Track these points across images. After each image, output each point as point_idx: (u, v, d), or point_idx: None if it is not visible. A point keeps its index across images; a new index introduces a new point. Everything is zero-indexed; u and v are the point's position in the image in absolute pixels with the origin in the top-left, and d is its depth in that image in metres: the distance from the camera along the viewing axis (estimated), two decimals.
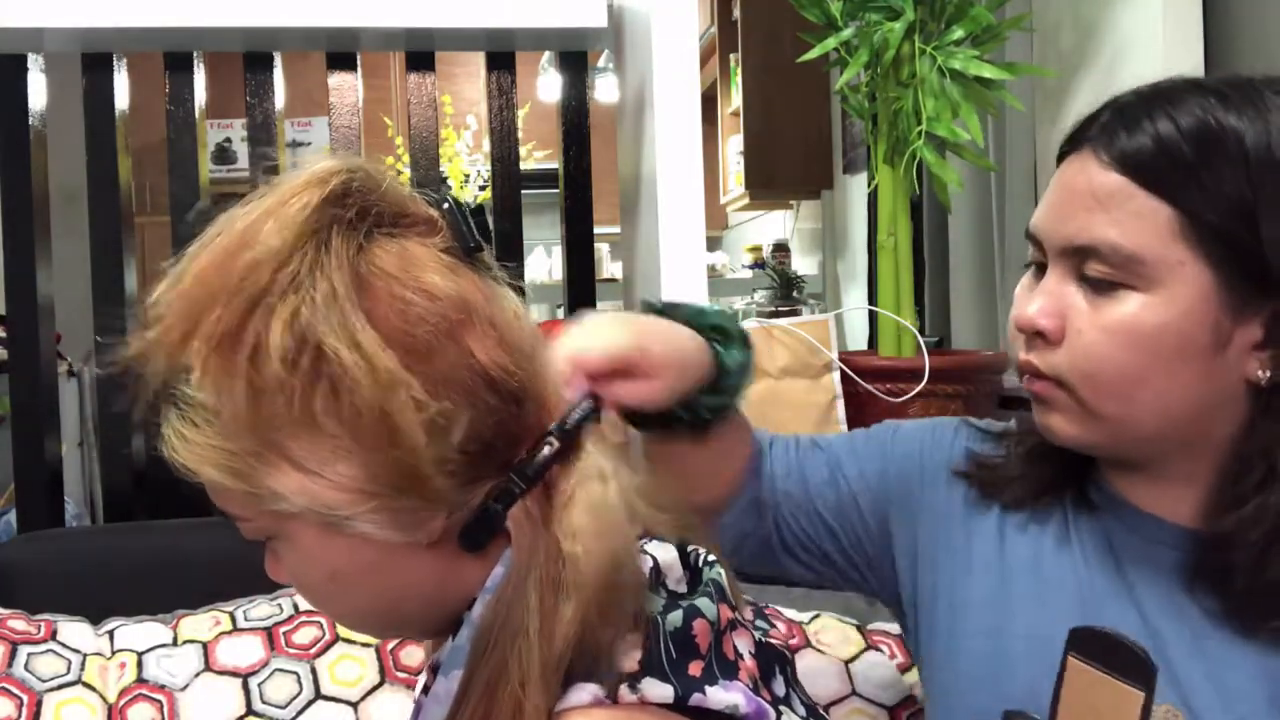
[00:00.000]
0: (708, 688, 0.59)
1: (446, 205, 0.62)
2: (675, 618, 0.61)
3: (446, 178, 4.21)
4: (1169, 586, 0.76)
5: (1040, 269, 0.77)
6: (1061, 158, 0.77)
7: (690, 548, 0.67)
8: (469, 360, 0.59)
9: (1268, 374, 0.70)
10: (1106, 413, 0.73)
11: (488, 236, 0.65)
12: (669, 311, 0.83)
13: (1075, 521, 0.82)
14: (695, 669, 0.59)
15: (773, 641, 0.68)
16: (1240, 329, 0.70)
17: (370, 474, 0.57)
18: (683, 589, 0.64)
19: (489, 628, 0.59)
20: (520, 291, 0.66)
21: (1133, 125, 0.71)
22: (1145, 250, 0.69)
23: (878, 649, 1.14)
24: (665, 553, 0.65)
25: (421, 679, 0.70)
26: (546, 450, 0.61)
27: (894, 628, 1.15)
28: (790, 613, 1.18)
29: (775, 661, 0.67)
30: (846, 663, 1.12)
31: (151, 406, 0.59)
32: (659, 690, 0.58)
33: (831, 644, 1.15)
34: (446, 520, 0.61)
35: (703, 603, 0.62)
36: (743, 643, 0.64)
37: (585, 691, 0.57)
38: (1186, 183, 0.68)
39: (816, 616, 1.18)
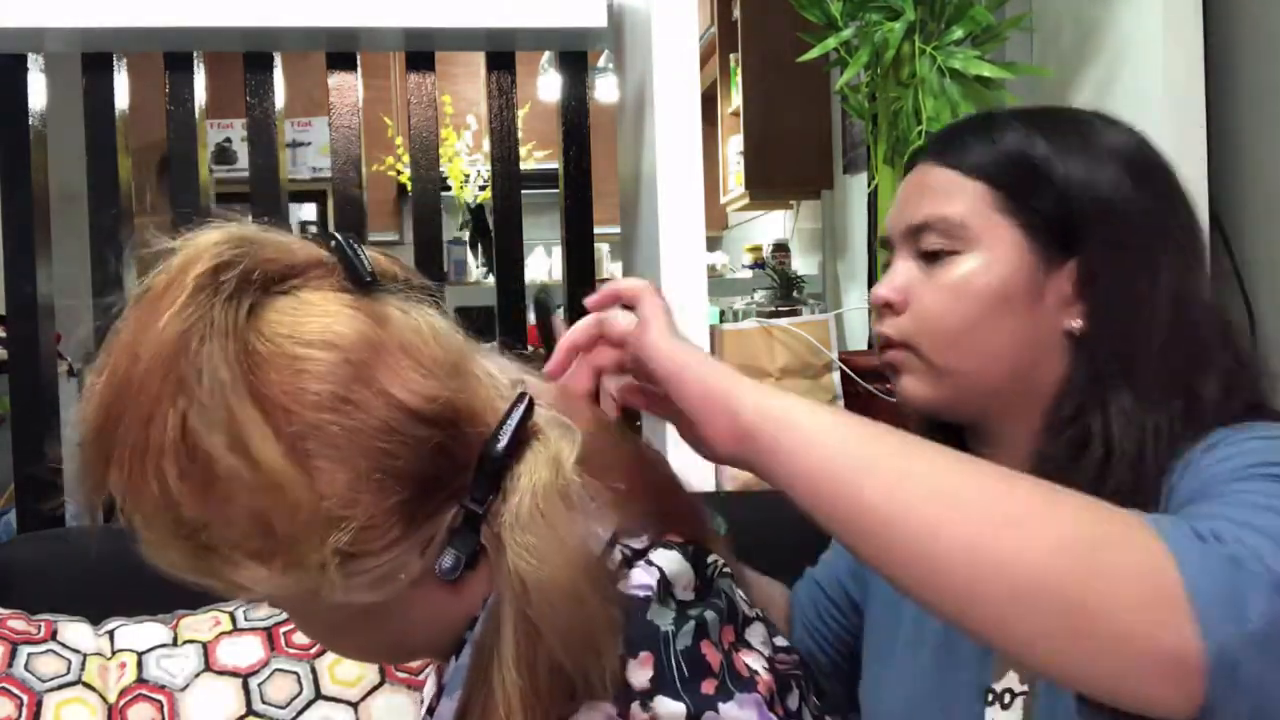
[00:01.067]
0: (721, 705, 0.58)
1: (334, 243, 0.60)
2: (685, 636, 0.60)
3: (446, 177, 4.21)
4: None
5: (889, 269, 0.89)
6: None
7: (710, 557, 0.67)
8: (387, 400, 0.57)
9: (1079, 324, 0.81)
10: (948, 364, 0.83)
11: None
12: None
13: None
14: (709, 687, 0.59)
15: (782, 661, 0.67)
16: (1051, 280, 0.81)
17: (309, 558, 0.56)
18: (689, 596, 0.64)
19: (478, 652, 0.59)
20: (439, 304, 0.64)
21: (950, 134, 0.88)
22: (965, 217, 0.83)
23: None
24: (673, 564, 0.63)
25: (428, 689, 0.70)
26: (491, 465, 0.59)
27: None
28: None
29: (790, 677, 0.66)
30: None
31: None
32: (671, 708, 0.57)
33: None
34: (422, 559, 0.59)
35: (710, 618, 0.62)
36: (754, 661, 0.63)
37: (598, 711, 0.57)
38: (996, 172, 0.83)
39: None
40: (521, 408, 0.61)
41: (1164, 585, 0.54)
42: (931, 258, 0.84)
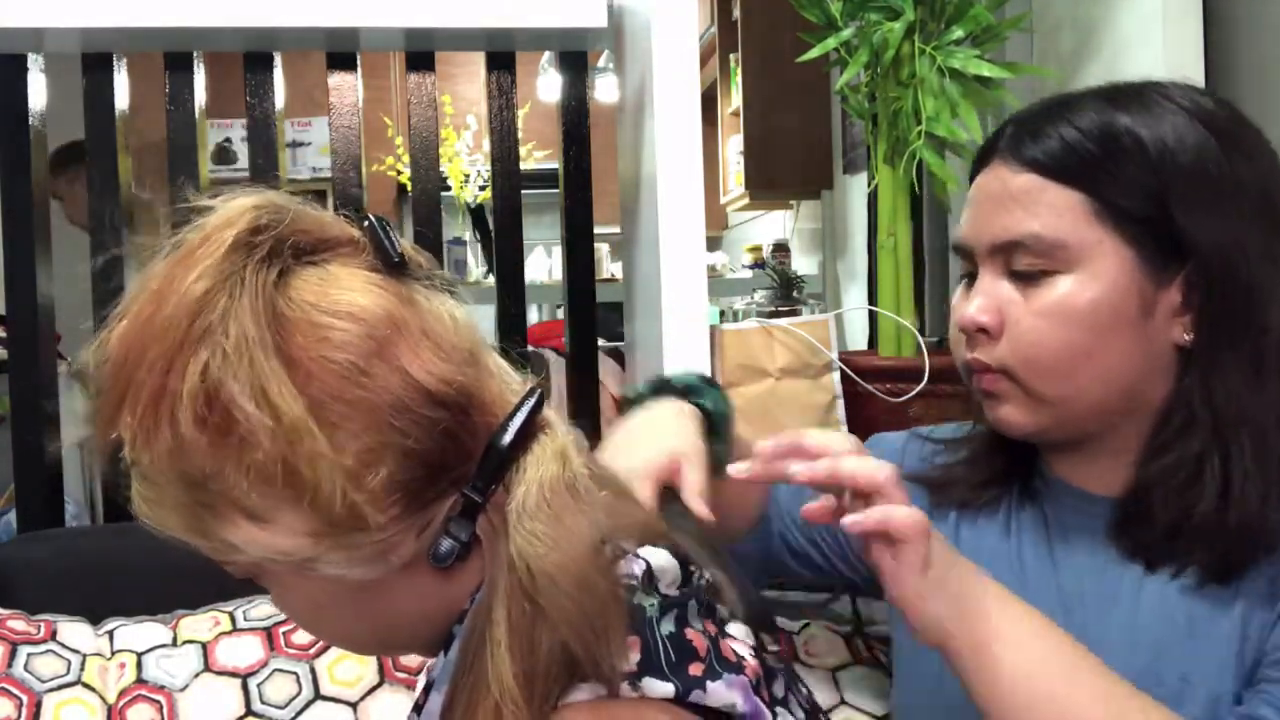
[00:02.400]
0: (709, 683, 0.59)
1: (367, 223, 0.62)
2: (669, 623, 0.60)
3: (446, 177, 4.21)
4: (1090, 550, 0.81)
5: (971, 279, 0.83)
6: (973, 177, 0.84)
7: (692, 567, 0.67)
8: (404, 378, 0.58)
9: (1189, 336, 0.76)
10: (1050, 394, 0.77)
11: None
12: (640, 399, 0.88)
13: (1018, 512, 0.86)
14: (695, 669, 0.59)
15: (768, 652, 0.68)
16: (1162, 294, 0.76)
17: (311, 520, 0.57)
18: (673, 593, 0.64)
19: (467, 642, 0.59)
20: (454, 293, 0.65)
21: (1037, 133, 0.78)
22: (1065, 235, 0.75)
23: (867, 662, 1.14)
24: (659, 557, 0.64)
25: (421, 682, 0.71)
26: (495, 457, 0.60)
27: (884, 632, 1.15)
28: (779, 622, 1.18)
29: (775, 669, 0.67)
30: (834, 671, 1.12)
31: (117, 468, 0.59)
32: (659, 688, 0.58)
33: (819, 654, 1.14)
34: (416, 542, 0.60)
35: (691, 607, 0.62)
36: (740, 648, 0.64)
37: (584, 690, 0.57)
38: (1094, 174, 0.75)
39: (805, 626, 1.17)
40: (532, 401, 0.62)
41: None
42: (1025, 276, 0.77)
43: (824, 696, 1.10)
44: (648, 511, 0.72)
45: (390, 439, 0.57)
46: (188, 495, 0.58)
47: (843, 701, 1.10)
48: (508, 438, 0.60)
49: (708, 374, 0.93)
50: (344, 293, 0.58)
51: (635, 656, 0.58)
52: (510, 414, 0.61)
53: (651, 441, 0.79)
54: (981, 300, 0.79)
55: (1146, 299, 0.75)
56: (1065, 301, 0.75)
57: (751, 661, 0.63)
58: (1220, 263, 0.74)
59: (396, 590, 0.61)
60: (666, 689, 0.58)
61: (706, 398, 0.87)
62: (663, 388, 0.89)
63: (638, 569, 0.63)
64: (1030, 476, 0.87)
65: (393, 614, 0.63)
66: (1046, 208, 0.76)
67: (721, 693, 0.59)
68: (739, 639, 0.65)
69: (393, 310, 0.59)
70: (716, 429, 0.86)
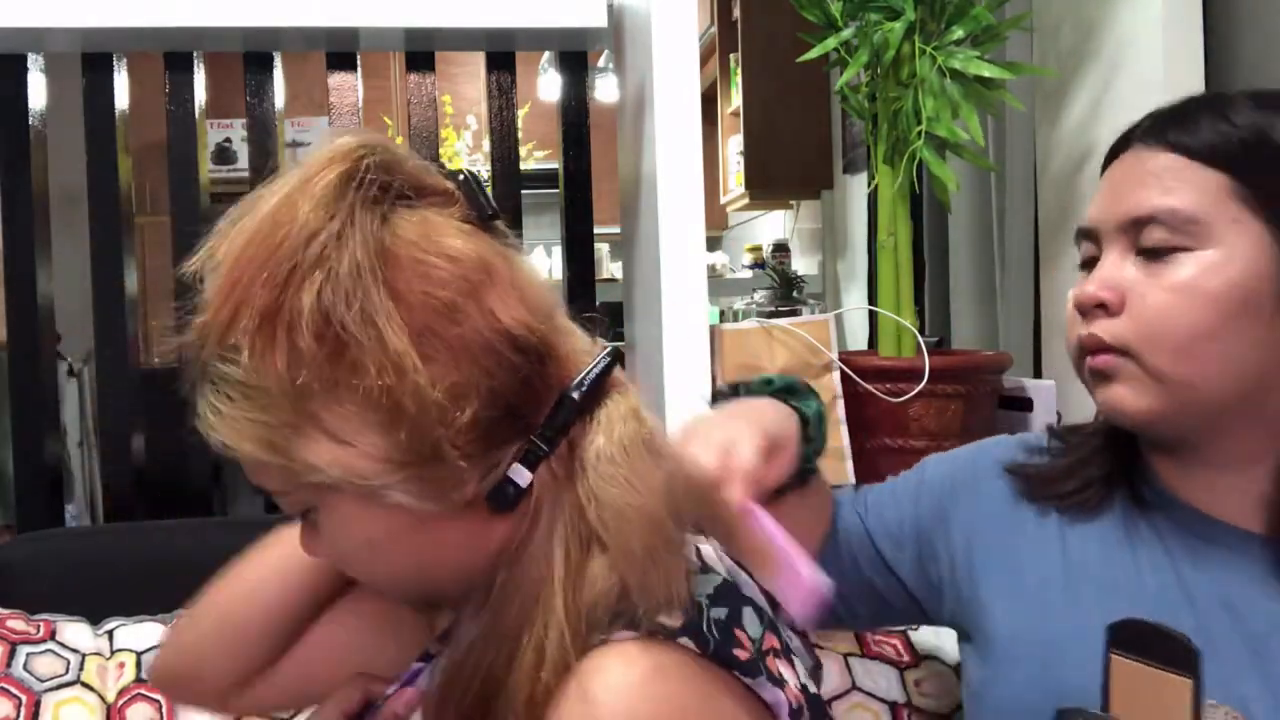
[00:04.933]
0: (749, 678, 0.59)
1: (463, 177, 0.64)
2: (721, 610, 0.61)
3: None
4: (1226, 590, 0.75)
5: (1089, 264, 0.79)
6: (1106, 164, 0.81)
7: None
8: (492, 321, 0.60)
9: None
10: (1173, 374, 0.73)
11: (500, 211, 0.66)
12: (738, 391, 0.86)
13: (1131, 523, 0.81)
14: (741, 654, 0.60)
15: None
16: None
17: (396, 445, 0.59)
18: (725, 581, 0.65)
19: (514, 579, 0.61)
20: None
21: (1184, 121, 0.76)
22: (1201, 210, 0.72)
23: (878, 654, 1.14)
24: (711, 546, 0.66)
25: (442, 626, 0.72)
26: (567, 408, 0.63)
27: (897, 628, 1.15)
28: None
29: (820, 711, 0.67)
30: (846, 656, 1.12)
31: (187, 391, 0.61)
32: (696, 643, 0.59)
33: (831, 640, 1.14)
34: (480, 483, 0.62)
35: (747, 613, 0.62)
36: (788, 673, 0.63)
37: (627, 634, 0.59)
38: (1241, 162, 0.72)
39: None
40: (606, 359, 0.65)
41: None
42: (1153, 254, 0.74)
43: (836, 682, 1.10)
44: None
45: (477, 377, 0.60)
46: (282, 411, 0.59)
47: (855, 687, 1.10)
48: (581, 391, 0.63)
49: (801, 379, 0.88)
50: (443, 236, 0.61)
51: (680, 620, 0.59)
52: (586, 370, 0.64)
53: (749, 420, 0.73)
54: (1104, 276, 0.76)
55: None
56: (1196, 279, 0.72)
57: (794, 689, 0.63)
58: None
59: (447, 531, 0.63)
60: (703, 645, 0.59)
61: (805, 402, 0.84)
62: (758, 388, 0.86)
63: (690, 553, 0.64)
64: (1137, 486, 0.82)
65: (439, 555, 0.64)
66: (1186, 184, 0.73)
67: (765, 687, 0.60)
68: (794, 668, 0.65)
69: (487, 257, 0.62)
70: (810, 435, 0.83)
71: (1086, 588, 0.80)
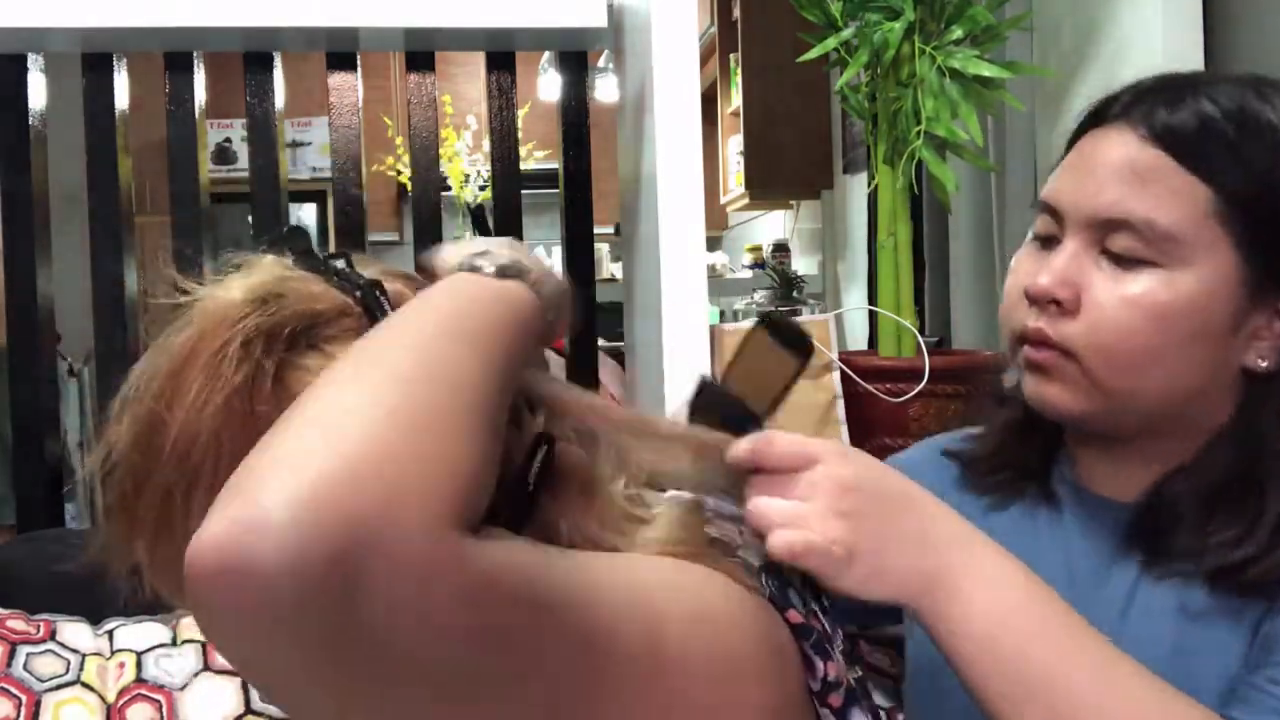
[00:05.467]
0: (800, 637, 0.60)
1: (359, 293, 0.59)
2: (770, 584, 0.62)
3: (446, 177, 4.21)
4: (1100, 556, 0.78)
5: (1047, 242, 0.76)
6: (1081, 132, 0.77)
7: None
8: None
9: (1266, 362, 0.72)
10: (1114, 387, 0.72)
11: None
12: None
13: (1034, 513, 0.83)
14: (791, 616, 0.60)
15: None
16: (1254, 314, 0.71)
17: None
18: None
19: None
20: None
21: (1173, 101, 0.71)
22: (1180, 229, 0.69)
23: (873, 665, 1.14)
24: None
25: None
26: (518, 500, 0.57)
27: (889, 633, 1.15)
28: None
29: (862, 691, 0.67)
30: None
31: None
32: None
33: None
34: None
35: (792, 594, 0.63)
36: (835, 652, 0.64)
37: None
38: (1225, 161, 0.69)
39: None
40: (545, 448, 0.59)
41: None
42: (1119, 259, 0.71)
43: None
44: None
45: None
46: None
47: None
48: (528, 484, 0.58)
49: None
50: None
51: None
52: (526, 464, 0.58)
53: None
54: (1063, 271, 0.73)
55: (1239, 316, 0.71)
56: (1160, 297, 0.70)
57: (840, 666, 0.62)
58: None
59: None
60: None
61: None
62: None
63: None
64: (1049, 476, 0.84)
65: None
66: (1170, 194, 0.70)
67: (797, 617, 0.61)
68: (838, 646, 0.65)
69: None
70: None
71: None
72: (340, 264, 0.61)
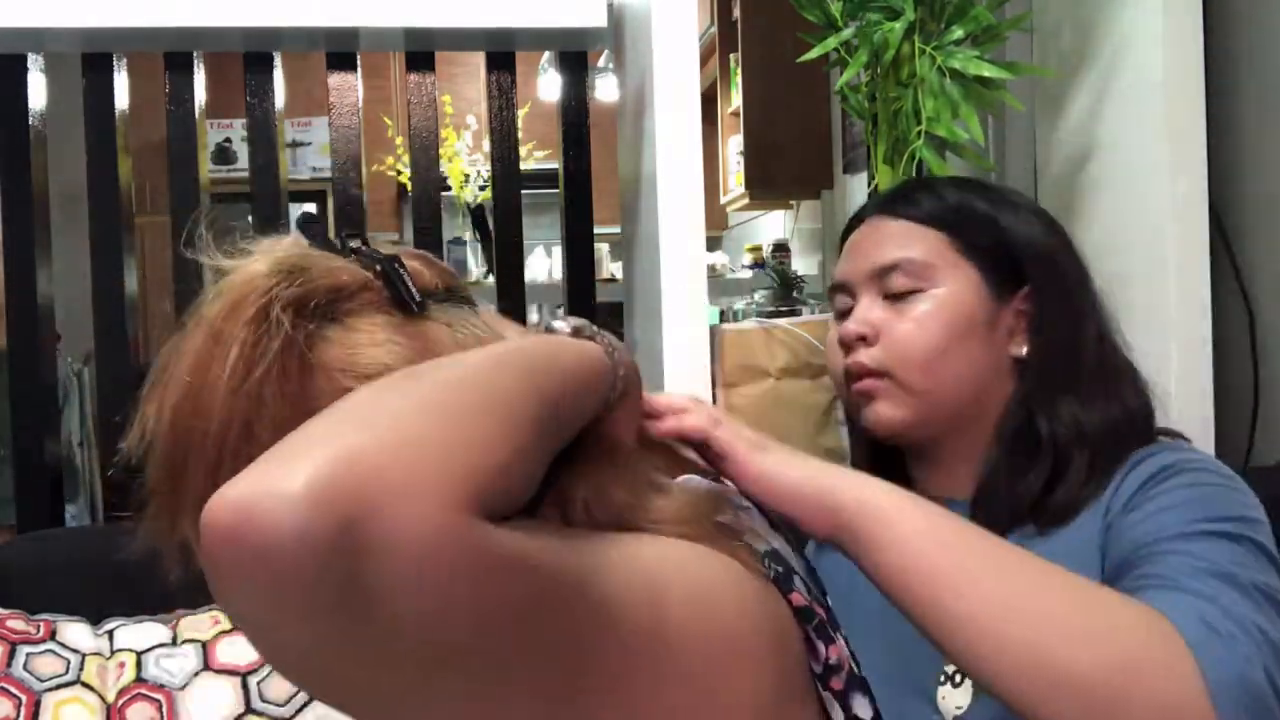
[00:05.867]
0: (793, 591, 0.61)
1: (379, 268, 0.60)
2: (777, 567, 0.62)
3: (446, 177, 4.21)
4: None
5: (844, 315, 1.00)
6: (844, 238, 1.05)
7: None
8: None
9: (1023, 349, 0.96)
10: (919, 385, 0.95)
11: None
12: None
13: None
14: (796, 599, 0.61)
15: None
16: (1002, 312, 0.97)
17: None
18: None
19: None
20: (470, 303, 0.64)
21: (907, 198, 1.01)
22: (932, 259, 0.96)
23: None
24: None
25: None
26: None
27: None
28: None
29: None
30: None
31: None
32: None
33: None
34: None
35: (797, 580, 0.63)
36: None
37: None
38: (954, 224, 0.98)
39: None
40: None
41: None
42: (897, 297, 0.96)
43: None
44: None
45: None
46: None
47: None
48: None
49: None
50: (366, 350, 0.58)
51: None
52: None
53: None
54: (862, 316, 0.97)
55: (990, 313, 0.96)
56: (931, 310, 0.95)
57: (842, 649, 0.64)
58: (1049, 288, 0.96)
59: None
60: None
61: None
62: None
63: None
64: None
65: None
66: (918, 240, 0.97)
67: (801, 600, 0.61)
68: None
69: (414, 359, 0.58)
70: None
71: (847, 593, 0.87)
72: (356, 243, 0.62)
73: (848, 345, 0.98)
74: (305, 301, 0.57)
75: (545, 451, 0.52)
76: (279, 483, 0.40)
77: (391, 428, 0.44)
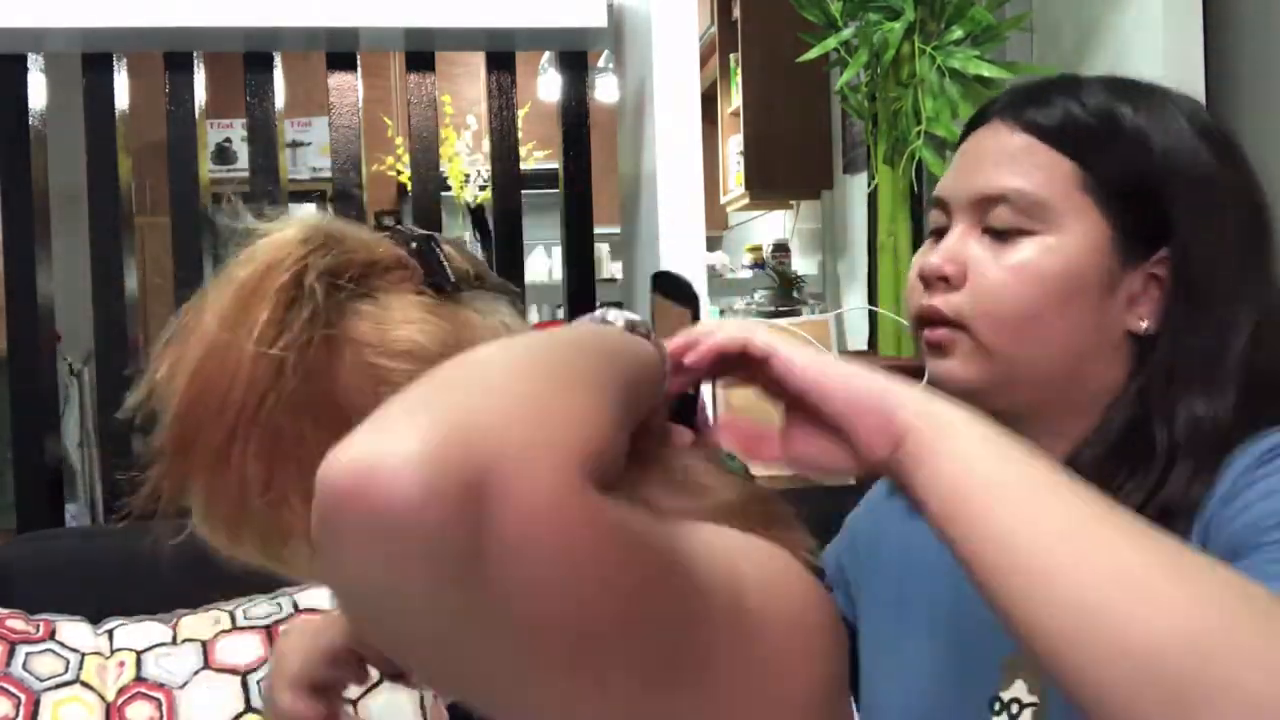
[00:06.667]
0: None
1: (415, 246, 0.59)
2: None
3: (446, 177, 4.21)
4: None
5: (940, 234, 0.81)
6: (962, 139, 0.83)
7: None
8: None
9: (1145, 324, 0.76)
10: (1003, 349, 0.76)
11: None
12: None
13: None
14: None
15: None
16: (1127, 277, 0.76)
17: None
18: None
19: None
20: (514, 293, 0.64)
21: (1040, 101, 0.78)
22: (1049, 195, 0.75)
23: None
24: None
25: None
26: None
27: None
28: None
29: None
30: None
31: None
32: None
33: None
34: None
35: None
36: None
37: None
38: (1090, 147, 0.76)
39: None
40: None
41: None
42: (998, 234, 0.77)
43: None
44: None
45: None
46: (255, 543, 0.57)
47: None
48: None
49: None
50: (400, 327, 0.57)
51: None
52: None
53: None
54: (949, 250, 0.78)
55: (1113, 277, 0.75)
56: (1035, 260, 0.75)
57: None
58: (1200, 256, 0.75)
59: None
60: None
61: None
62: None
63: None
64: None
65: None
66: (1036, 168, 0.76)
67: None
68: None
69: (447, 340, 0.57)
70: None
71: (925, 569, 0.83)
72: (390, 221, 0.61)
73: (927, 281, 0.80)
74: (339, 273, 0.56)
75: (626, 434, 0.50)
76: (400, 444, 0.39)
77: (504, 392, 0.43)
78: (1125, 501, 0.67)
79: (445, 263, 0.59)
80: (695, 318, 0.79)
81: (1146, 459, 0.74)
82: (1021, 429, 0.75)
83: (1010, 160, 0.77)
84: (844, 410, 0.63)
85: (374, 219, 0.72)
